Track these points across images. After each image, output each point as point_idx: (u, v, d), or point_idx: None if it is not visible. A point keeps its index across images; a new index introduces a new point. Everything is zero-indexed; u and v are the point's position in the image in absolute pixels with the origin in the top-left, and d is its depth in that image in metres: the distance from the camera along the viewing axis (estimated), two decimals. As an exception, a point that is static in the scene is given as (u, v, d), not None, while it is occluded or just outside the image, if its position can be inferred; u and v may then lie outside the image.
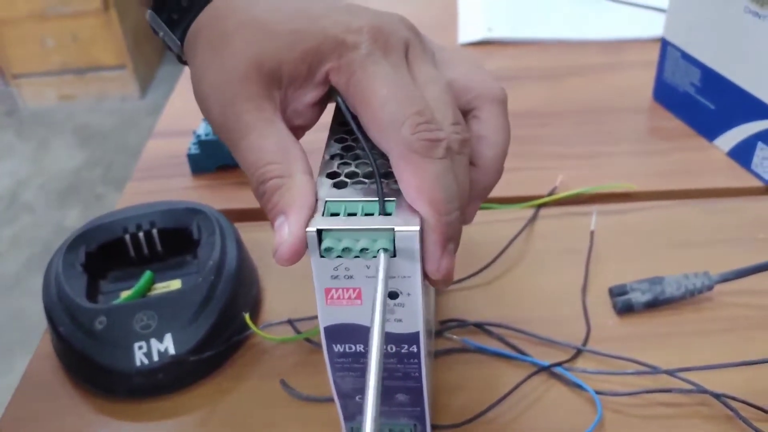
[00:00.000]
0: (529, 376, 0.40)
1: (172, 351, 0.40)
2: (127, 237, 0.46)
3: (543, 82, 0.68)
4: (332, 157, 0.31)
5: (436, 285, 0.30)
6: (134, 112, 2.27)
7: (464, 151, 0.29)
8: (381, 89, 0.28)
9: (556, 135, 0.61)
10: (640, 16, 0.77)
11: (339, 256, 0.28)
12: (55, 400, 0.42)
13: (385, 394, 0.33)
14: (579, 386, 0.39)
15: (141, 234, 0.46)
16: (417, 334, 0.30)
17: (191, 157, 0.57)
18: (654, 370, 0.40)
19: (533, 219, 0.51)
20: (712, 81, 0.56)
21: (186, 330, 0.41)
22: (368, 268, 0.28)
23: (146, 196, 0.53)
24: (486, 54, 0.73)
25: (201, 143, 0.56)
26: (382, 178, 0.29)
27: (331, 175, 0.30)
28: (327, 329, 0.31)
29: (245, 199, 0.54)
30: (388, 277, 0.28)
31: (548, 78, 0.69)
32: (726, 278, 0.44)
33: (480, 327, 0.43)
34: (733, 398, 0.38)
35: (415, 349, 0.31)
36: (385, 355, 0.30)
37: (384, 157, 0.29)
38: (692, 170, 0.56)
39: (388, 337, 0.31)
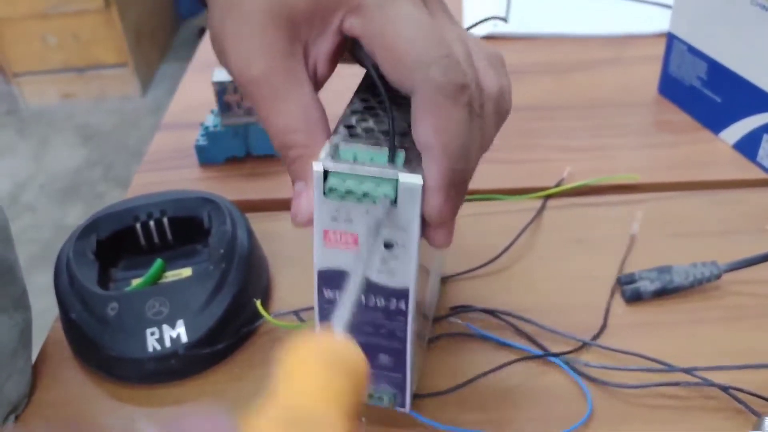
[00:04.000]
0: (513, 362, 0.40)
1: (184, 337, 0.40)
2: (138, 225, 0.46)
3: (549, 77, 0.68)
4: (353, 113, 0.31)
5: (435, 240, 0.30)
6: (135, 110, 2.27)
7: (495, 111, 0.30)
8: (404, 29, 0.28)
9: (562, 128, 0.61)
10: (644, 12, 0.78)
11: (341, 198, 0.28)
12: (66, 386, 0.42)
13: (369, 352, 0.32)
14: (575, 377, 0.39)
15: (152, 222, 0.46)
16: (407, 290, 0.30)
17: (199, 149, 0.57)
18: (665, 367, 0.40)
19: (542, 210, 0.51)
20: (718, 74, 0.56)
21: (198, 317, 0.41)
22: (368, 213, 0.28)
23: (154, 187, 0.53)
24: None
25: (209, 135, 0.56)
26: (397, 134, 0.29)
27: (348, 127, 0.30)
28: (321, 273, 0.31)
29: (253, 190, 0.55)
30: (386, 225, 0.28)
31: (554, 72, 0.69)
32: (733, 267, 0.44)
33: (488, 312, 0.43)
34: (740, 390, 0.38)
35: (404, 306, 0.31)
36: (372, 309, 0.31)
37: (403, 116, 0.29)
38: (698, 162, 0.56)
39: (377, 290, 0.31)
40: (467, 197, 0.52)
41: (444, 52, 0.27)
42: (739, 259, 0.44)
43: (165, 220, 0.47)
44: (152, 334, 0.40)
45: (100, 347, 0.41)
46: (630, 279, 0.45)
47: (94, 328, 0.41)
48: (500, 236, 0.49)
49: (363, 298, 0.31)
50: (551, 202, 0.52)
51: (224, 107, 0.55)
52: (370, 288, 0.31)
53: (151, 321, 0.40)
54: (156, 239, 0.47)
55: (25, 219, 1.89)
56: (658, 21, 0.74)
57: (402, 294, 0.31)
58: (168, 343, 0.40)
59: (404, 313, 0.31)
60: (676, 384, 0.38)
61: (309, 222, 0.29)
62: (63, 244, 0.46)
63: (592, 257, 0.47)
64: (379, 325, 0.32)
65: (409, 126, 0.28)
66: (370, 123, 0.30)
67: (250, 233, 0.46)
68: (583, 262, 0.47)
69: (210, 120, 0.57)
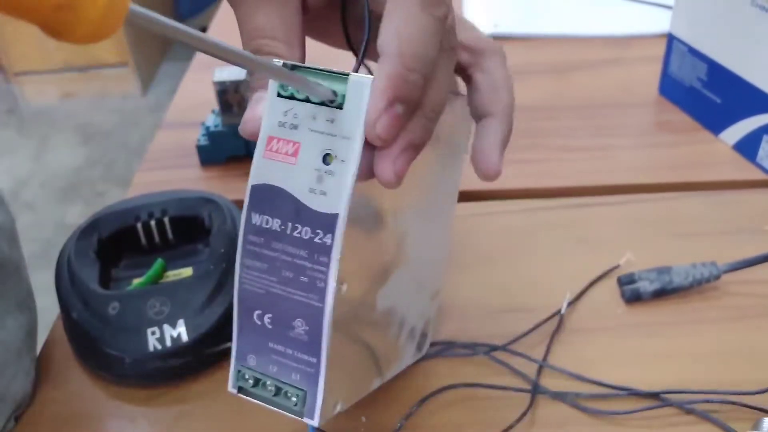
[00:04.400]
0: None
1: (185, 337, 0.40)
2: (139, 225, 0.46)
3: (549, 77, 0.68)
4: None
5: (377, 170, 0.27)
6: (136, 110, 2.27)
7: (454, 54, 0.29)
8: None
9: (563, 128, 0.61)
10: (645, 13, 0.78)
11: (291, 96, 0.27)
12: (67, 385, 0.42)
13: (284, 314, 0.28)
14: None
15: (153, 222, 0.46)
16: (336, 217, 0.27)
17: (200, 149, 0.57)
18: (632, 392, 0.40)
19: (541, 210, 0.52)
20: (719, 75, 0.56)
21: (199, 316, 0.41)
22: (314, 119, 0.27)
23: (155, 186, 0.53)
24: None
25: (210, 134, 0.57)
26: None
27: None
28: (254, 189, 0.28)
29: (254, 190, 0.55)
30: (324, 133, 0.27)
31: (554, 73, 0.69)
32: (732, 268, 0.44)
33: (467, 347, 0.43)
34: (710, 401, 0.38)
35: (330, 241, 0.27)
36: (295, 241, 0.28)
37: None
38: (698, 163, 0.56)
39: (304, 215, 0.27)
40: (467, 198, 0.52)
41: None
42: (738, 259, 0.44)
43: (166, 219, 0.47)
44: (153, 333, 0.40)
45: (101, 346, 0.41)
46: (630, 279, 0.45)
47: (95, 327, 0.41)
48: (499, 237, 0.50)
49: (288, 226, 0.28)
50: (551, 203, 0.52)
51: (225, 107, 0.55)
52: (299, 212, 0.27)
53: (152, 320, 0.40)
54: (157, 239, 0.47)
55: (26, 218, 1.89)
56: (658, 22, 0.74)
57: (330, 223, 0.27)
58: (169, 343, 0.40)
59: (328, 252, 0.27)
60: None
61: (257, 131, 0.28)
62: (64, 243, 0.46)
63: (592, 258, 0.47)
64: (299, 269, 0.28)
65: None
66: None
67: (250, 233, 0.46)
68: (583, 263, 0.47)
69: (211, 120, 0.57)
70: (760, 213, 0.51)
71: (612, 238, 0.49)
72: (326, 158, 0.27)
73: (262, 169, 0.28)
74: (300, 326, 0.28)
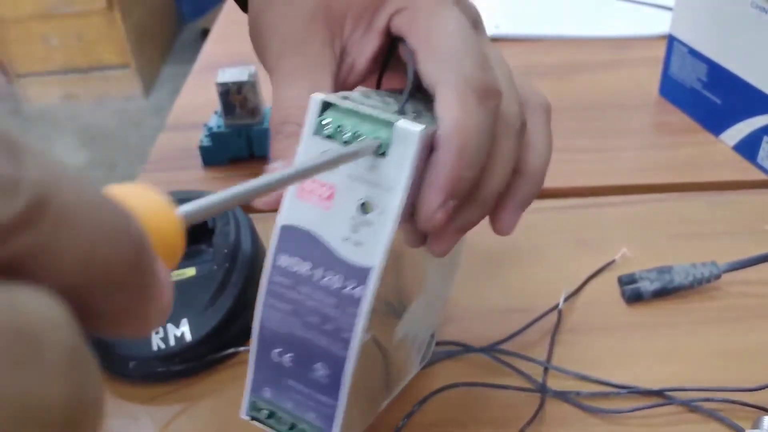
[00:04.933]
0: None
1: (188, 336, 0.41)
2: (143, 225, 0.47)
3: (549, 79, 0.69)
4: (374, 90, 0.29)
5: (430, 244, 0.28)
6: (137, 111, 2.28)
7: (521, 133, 0.29)
8: (449, 24, 0.28)
9: (563, 129, 0.61)
10: (645, 14, 0.78)
11: (331, 137, 0.26)
12: (71, 385, 0.42)
13: (304, 357, 0.28)
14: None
15: (156, 222, 0.47)
16: (369, 271, 0.25)
17: (203, 149, 0.57)
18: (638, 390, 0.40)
19: (542, 211, 0.52)
20: (719, 76, 0.57)
21: (202, 315, 0.41)
22: (354, 164, 0.25)
23: (158, 187, 0.53)
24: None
25: (213, 136, 0.57)
26: (412, 111, 0.27)
27: (365, 93, 0.28)
28: (284, 230, 0.27)
29: (257, 191, 0.55)
30: (365, 181, 0.25)
31: (555, 74, 0.69)
32: (733, 267, 0.44)
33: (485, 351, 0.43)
34: (711, 400, 0.38)
35: (359, 293, 0.26)
36: (323, 289, 0.27)
37: (426, 106, 0.28)
38: (699, 164, 0.56)
39: (335, 263, 0.26)
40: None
41: (480, 56, 0.27)
42: (738, 259, 0.44)
43: (169, 220, 0.47)
44: (157, 333, 0.40)
45: (105, 346, 0.41)
46: (630, 279, 0.45)
47: (98, 327, 0.41)
48: (501, 237, 0.50)
49: (318, 272, 0.27)
50: (552, 203, 0.53)
51: (228, 108, 0.55)
52: (330, 259, 0.26)
53: (156, 320, 0.41)
54: (160, 239, 0.47)
55: (28, 219, 1.89)
56: (658, 23, 0.74)
57: (363, 275, 0.26)
58: (172, 342, 0.40)
59: (358, 304, 0.26)
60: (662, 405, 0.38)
61: (269, 202, 0.27)
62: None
63: (592, 258, 0.47)
64: (325, 316, 0.27)
65: (428, 108, 0.27)
66: (389, 98, 0.28)
67: (253, 233, 0.46)
68: (584, 264, 0.47)
69: (213, 121, 0.58)
70: (761, 213, 0.51)
71: (612, 238, 0.49)
72: (364, 207, 0.26)
73: (294, 210, 0.27)
74: (321, 369, 0.28)
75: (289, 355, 0.28)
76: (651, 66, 0.66)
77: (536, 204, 0.52)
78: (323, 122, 0.26)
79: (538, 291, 0.45)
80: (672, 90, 0.63)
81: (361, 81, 0.32)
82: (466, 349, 0.42)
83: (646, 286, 0.44)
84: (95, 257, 0.14)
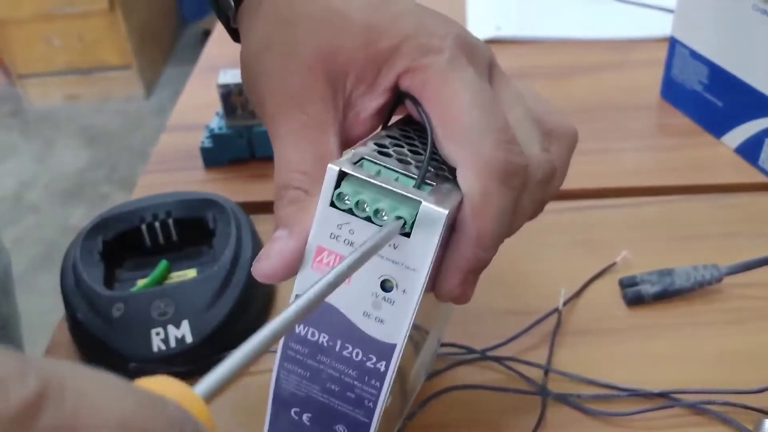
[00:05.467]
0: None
1: (189, 338, 0.40)
2: (144, 226, 0.47)
3: (551, 81, 0.69)
4: (388, 136, 0.28)
5: (455, 301, 0.27)
6: (139, 112, 2.28)
7: (548, 182, 0.27)
8: (464, 93, 0.26)
9: (564, 131, 0.61)
10: (646, 17, 0.78)
11: (349, 210, 0.24)
12: (72, 386, 0.42)
13: (325, 420, 0.27)
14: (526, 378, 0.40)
15: (157, 224, 0.47)
16: (394, 348, 0.25)
17: (204, 151, 0.57)
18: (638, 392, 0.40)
19: (543, 213, 0.52)
20: (720, 78, 0.57)
21: (203, 317, 0.41)
22: None
23: (160, 188, 0.53)
24: (494, 52, 0.73)
25: (214, 137, 0.57)
26: (432, 172, 0.26)
27: (379, 145, 0.27)
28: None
29: (257, 192, 0.55)
30: (387, 259, 0.24)
31: (556, 76, 0.69)
32: (734, 270, 0.44)
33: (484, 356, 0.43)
34: (713, 402, 0.38)
35: (383, 368, 0.25)
36: (345, 360, 0.26)
37: (444, 165, 0.27)
38: (700, 166, 0.56)
39: (358, 338, 0.26)
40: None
41: (500, 124, 0.25)
42: (740, 262, 0.44)
43: (170, 221, 0.47)
44: (157, 334, 0.40)
45: (106, 347, 0.41)
46: (631, 281, 0.45)
47: (99, 328, 0.41)
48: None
49: (338, 343, 0.26)
50: (553, 205, 0.52)
51: (229, 109, 0.55)
52: (351, 333, 0.26)
53: (156, 321, 0.41)
54: (161, 240, 0.47)
55: (29, 220, 1.90)
56: (660, 25, 0.74)
57: (386, 352, 0.25)
58: (173, 344, 0.40)
59: (382, 377, 0.26)
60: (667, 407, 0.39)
61: (273, 275, 0.25)
62: (69, 244, 0.46)
63: (593, 260, 0.47)
64: (347, 385, 0.26)
65: (448, 170, 0.26)
66: (405, 150, 0.27)
67: (254, 235, 0.46)
68: (585, 266, 0.47)
69: (215, 122, 0.58)
70: (762, 216, 0.51)
71: (614, 240, 0.49)
72: (385, 284, 0.25)
73: (310, 281, 0.25)
74: (342, 431, 0.27)
75: (307, 415, 0.28)
76: (652, 68, 0.66)
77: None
78: (340, 193, 0.24)
79: (539, 293, 0.45)
80: (673, 92, 0.63)
81: (367, 133, 0.30)
82: (467, 351, 0.41)
83: (647, 288, 0.44)
84: None
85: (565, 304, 0.44)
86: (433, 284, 0.27)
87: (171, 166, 0.59)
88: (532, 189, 0.27)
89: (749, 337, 0.42)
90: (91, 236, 0.46)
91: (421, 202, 0.24)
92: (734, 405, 0.38)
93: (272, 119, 0.28)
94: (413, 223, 0.24)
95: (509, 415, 0.38)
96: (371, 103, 0.28)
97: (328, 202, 0.25)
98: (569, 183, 0.54)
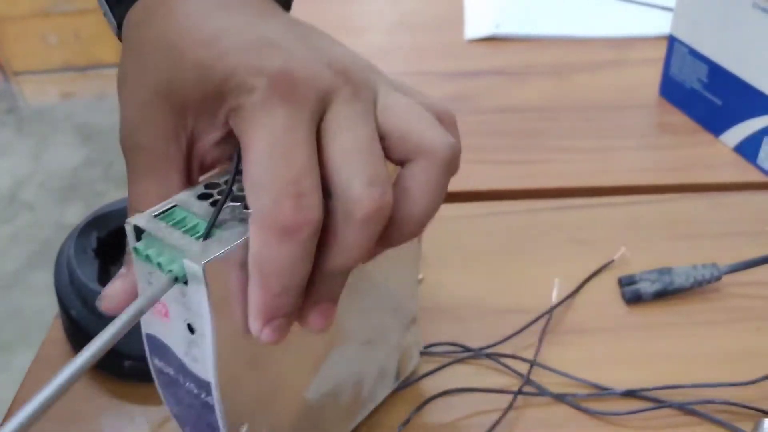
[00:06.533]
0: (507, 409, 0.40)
1: (184, 335, 0.40)
2: (139, 223, 0.46)
3: (550, 78, 0.68)
4: (234, 170, 0.27)
5: (308, 327, 0.27)
6: (135, 110, 2.27)
7: (373, 220, 0.25)
8: (259, 143, 0.25)
9: (563, 129, 0.61)
10: (645, 15, 0.78)
11: (145, 261, 0.25)
12: (66, 384, 0.42)
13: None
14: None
15: (152, 220, 0.46)
16: (209, 384, 0.27)
17: (200, 147, 0.57)
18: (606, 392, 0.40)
19: (542, 211, 0.52)
20: (719, 77, 0.56)
21: (198, 314, 0.41)
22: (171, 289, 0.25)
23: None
24: (493, 50, 0.73)
25: (210, 133, 0.56)
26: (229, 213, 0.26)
27: (209, 185, 0.27)
28: (147, 336, 0.29)
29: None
30: (183, 305, 0.25)
31: (555, 74, 0.69)
32: (734, 269, 0.44)
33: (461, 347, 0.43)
34: (709, 402, 0.38)
35: (211, 401, 0.27)
36: (189, 392, 0.28)
37: None
38: (699, 165, 0.56)
39: (187, 372, 0.28)
40: (467, 198, 0.52)
41: (290, 176, 0.24)
42: (739, 261, 0.44)
43: (165, 218, 0.46)
44: (152, 331, 0.40)
45: (100, 345, 0.41)
46: (630, 280, 0.45)
47: (93, 325, 0.41)
48: (499, 237, 0.49)
49: (180, 377, 0.28)
50: (552, 203, 0.52)
51: (225, 106, 0.55)
52: (183, 368, 0.27)
53: (151, 319, 0.40)
54: (156, 237, 0.47)
55: (24, 218, 1.89)
56: (659, 23, 0.74)
57: (207, 386, 0.27)
58: (168, 341, 0.40)
59: (212, 410, 0.27)
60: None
61: (112, 310, 0.27)
62: (63, 241, 0.46)
63: (592, 259, 0.47)
64: (198, 413, 0.29)
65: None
66: (239, 188, 0.27)
67: (250, 232, 0.46)
68: (583, 264, 0.47)
69: (211, 119, 0.57)
70: (761, 214, 0.51)
71: (612, 239, 0.49)
72: (190, 326, 0.26)
73: (147, 320, 0.28)
74: None
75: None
76: (651, 66, 0.66)
77: (536, 204, 0.52)
78: (136, 248, 0.26)
79: (536, 292, 0.45)
80: (672, 90, 0.62)
81: (218, 162, 0.29)
82: (462, 350, 0.41)
83: (646, 287, 0.44)
84: None
85: (562, 302, 0.44)
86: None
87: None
88: (349, 229, 0.25)
89: (748, 336, 0.42)
90: (86, 233, 0.45)
91: (183, 255, 0.24)
92: (733, 404, 0.37)
93: (125, 154, 0.29)
94: (185, 277, 0.25)
95: (507, 415, 0.38)
96: (211, 135, 0.28)
97: (135, 254, 0.26)
98: (568, 181, 0.54)
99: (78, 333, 0.42)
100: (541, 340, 0.42)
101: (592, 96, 0.65)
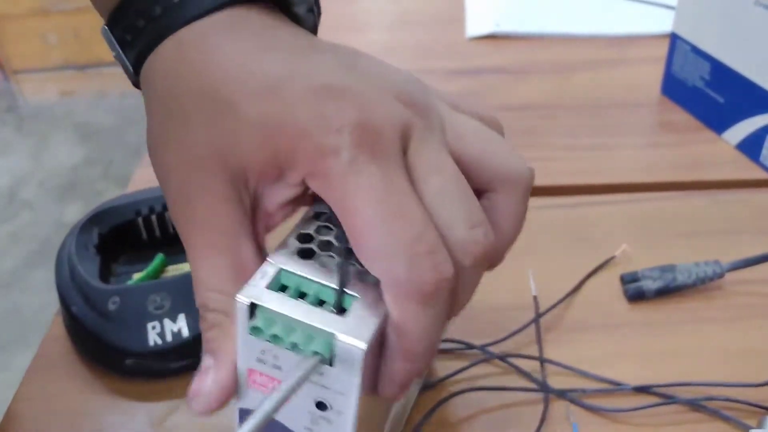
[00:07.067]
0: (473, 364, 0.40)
1: (185, 332, 0.40)
2: (140, 219, 0.46)
3: (551, 76, 0.68)
4: (316, 215, 0.26)
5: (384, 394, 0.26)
6: (134, 108, 2.27)
7: (480, 264, 0.24)
8: (366, 209, 0.23)
9: (564, 127, 0.61)
10: (647, 13, 0.78)
11: (268, 341, 0.23)
12: (66, 380, 0.42)
13: None
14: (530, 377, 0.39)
15: (153, 217, 0.46)
16: None
17: (201, 144, 0.57)
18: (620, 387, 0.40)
19: (543, 209, 0.51)
20: (722, 74, 0.56)
21: (199, 311, 0.41)
22: (301, 365, 0.24)
23: (155, 183, 0.52)
24: (494, 48, 0.73)
25: (211, 130, 0.56)
26: (358, 271, 0.24)
27: (303, 238, 0.25)
28: (242, 412, 0.26)
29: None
30: (320, 383, 0.24)
31: (556, 72, 0.69)
32: (736, 266, 0.44)
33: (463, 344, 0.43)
34: (715, 399, 0.38)
35: None
36: None
37: None
38: (701, 163, 0.56)
39: None
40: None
41: (413, 233, 0.22)
42: (742, 258, 0.44)
43: (167, 214, 0.46)
44: (153, 328, 0.40)
45: (101, 341, 0.40)
46: (633, 277, 0.44)
47: (95, 322, 0.41)
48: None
49: None
50: (553, 201, 0.52)
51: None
52: None
53: (153, 315, 0.40)
54: (157, 233, 0.47)
55: (24, 216, 1.89)
56: (661, 21, 0.74)
57: None
58: (169, 338, 0.40)
59: None
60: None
61: (208, 410, 0.24)
62: (64, 238, 0.45)
63: (594, 256, 0.47)
64: None
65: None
66: (331, 237, 0.25)
67: (252, 228, 0.46)
68: (586, 261, 0.47)
69: (212, 116, 0.57)
70: (764, 212, 0.51)
71: (615, 237, 0.48)
72: (320, 405, 0.24)
73: (249, 398, 0.25)
74: None
75: None
76: (653, 64, 0.66)
77: (538, 202, 0.52)
78: (255, 326, 0.23)
79: (539, 289, 0.45)
80: (674, 88, 0.62)
81: (286, 217, 0.27)
82: (466, 347, 0.41)
83: (649, 284, 0.44)
84: None
85: (564, 299, 0.44)
86: (374, 388, 0.26)
87: (167, 160, 0.59)
88: (465, 278, 0.24)
89: (751, 334, 0.42)
90: (87, 229, 0.45)
91: (334, 337, 0.23)
92: (737, 401, 0.37)
93: (180, 228, 0.26)
94: (332, 355, 0.23)
95: (511, 412, 0.38)
96: (280, 196, 0.26)
97: (247, 331, 0.24)
98: (570, 179, 0.54)
99: (79, 330, 0.42)
100: (539, 338, 0.41)
101: (594, 94, 0.65)
